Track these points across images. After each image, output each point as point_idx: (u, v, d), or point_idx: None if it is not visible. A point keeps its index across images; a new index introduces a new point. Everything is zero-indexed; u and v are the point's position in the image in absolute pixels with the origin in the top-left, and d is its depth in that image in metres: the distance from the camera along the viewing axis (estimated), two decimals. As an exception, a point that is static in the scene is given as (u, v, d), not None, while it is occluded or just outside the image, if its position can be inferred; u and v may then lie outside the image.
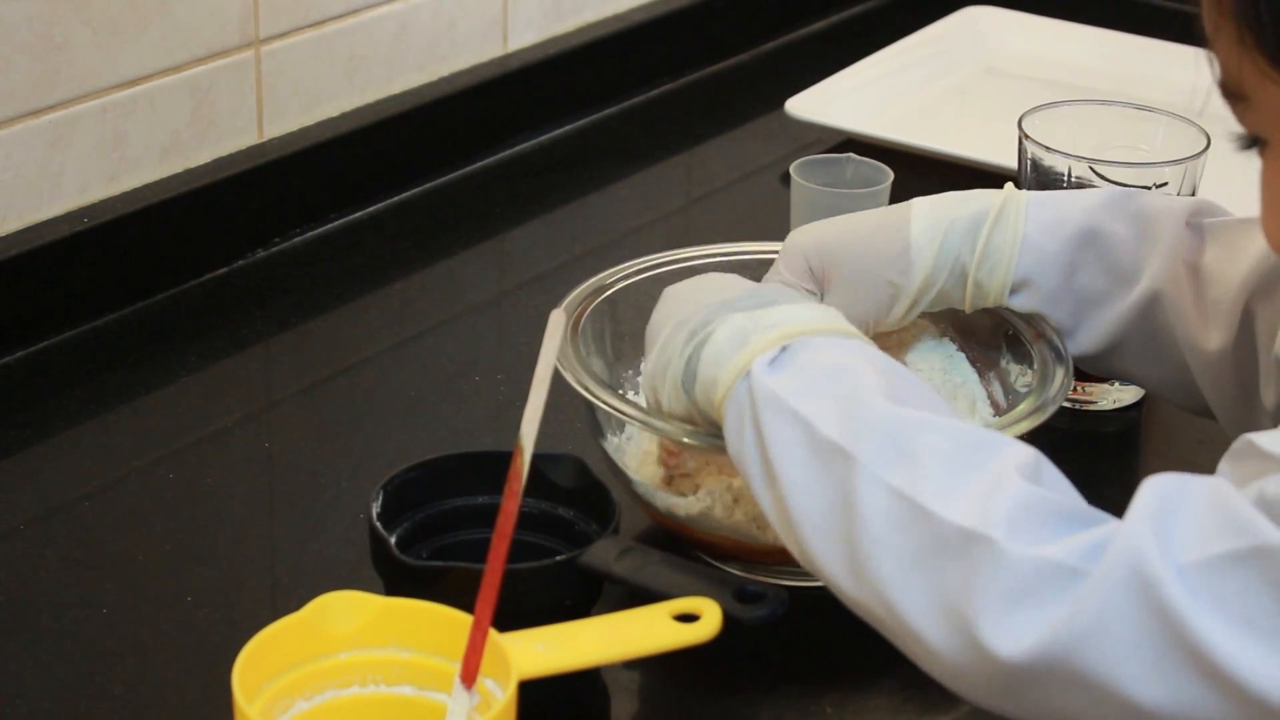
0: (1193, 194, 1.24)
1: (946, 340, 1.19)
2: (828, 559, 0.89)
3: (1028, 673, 0.82)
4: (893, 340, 1.19)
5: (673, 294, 1.04)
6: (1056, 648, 0.81)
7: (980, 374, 1.17)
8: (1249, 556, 0.78)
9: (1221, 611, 0.79)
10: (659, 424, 1.05)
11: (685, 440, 1.04)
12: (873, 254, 1.11)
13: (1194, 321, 1.09)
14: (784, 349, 0.94)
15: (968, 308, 1.13)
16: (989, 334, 1.17)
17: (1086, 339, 1.13)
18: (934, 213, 1.11)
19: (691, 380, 0.98)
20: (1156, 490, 0.83)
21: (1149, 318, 1.11)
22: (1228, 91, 0.87)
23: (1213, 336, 1.08)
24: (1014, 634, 0.82)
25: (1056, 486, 0.87)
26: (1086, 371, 1.18)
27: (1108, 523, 0.84)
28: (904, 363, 1.18)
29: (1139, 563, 0.80)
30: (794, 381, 0.92)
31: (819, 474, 0.89)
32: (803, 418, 0.90)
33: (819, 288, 1.13)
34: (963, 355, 1.18)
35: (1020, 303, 1.12)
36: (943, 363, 1.18)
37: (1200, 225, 1.10)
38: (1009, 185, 1.14)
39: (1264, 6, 0.81)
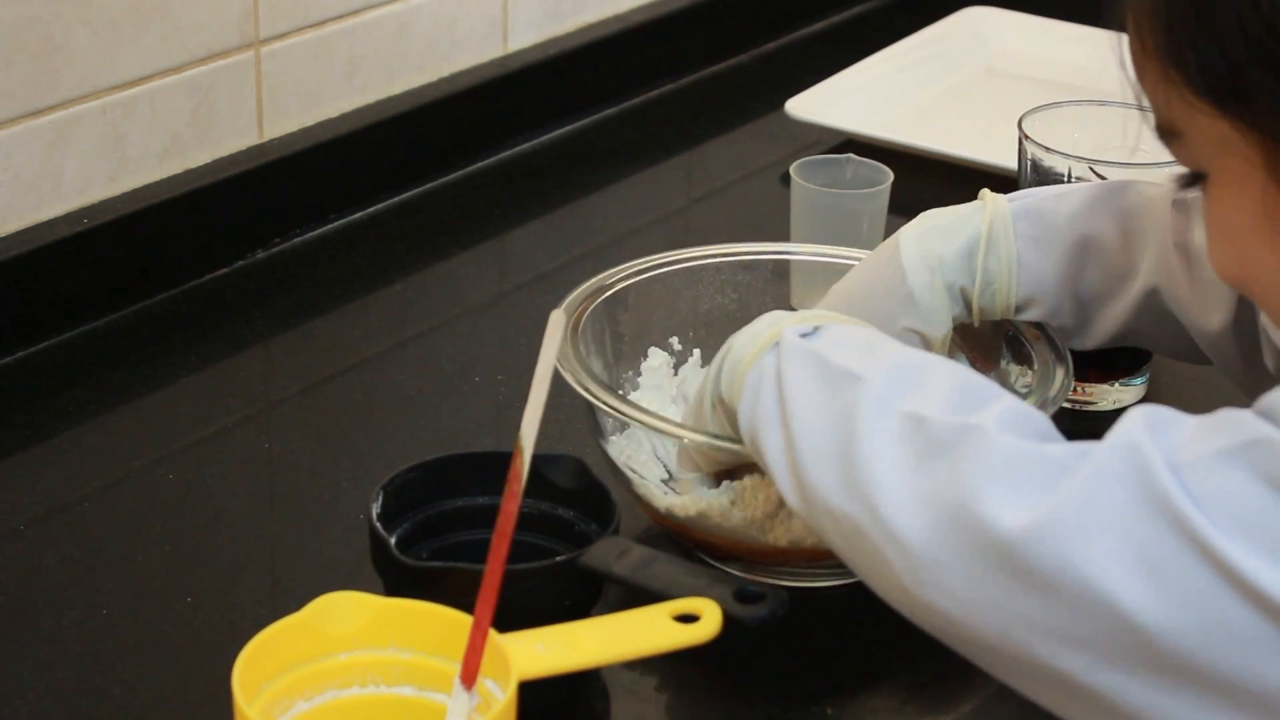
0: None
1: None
2: (820, 474, 0.89)
3: (1020, 550, 0.80)
4: None
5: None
6: (1051, 527, 0.79)
7: (982, 375, 1.17)
8: (1242, 450, 0.77)
9: (1217, 507, 0.77)
10: (658, 424, 1.05)
11: (686, 440, 1.04)
12: (881, 308, 1.12)
13: (1193, 304, 1.09)
14: (817, 328, 0.96)
15: (976, 324, 1.14)
16: (989, 335, 1.18)
17: (1094, 335, 1.14)
18: (922, 253, 1.11)
19: (717, 376, 1.00)
20: (1147, 408, 0.82)
21: (1151, 308, 1.12)
22: (1162, 131, 0.87)
23: (1213, 316, 1.08)
24: (1012, 506, 0.80)
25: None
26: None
27: (1106, 436, 0.82)
28: None
29: (1136, 455, 0.79)
30: (822, 342, 0.95)
31: (829, 398, 0.91)
32: (822, 356, 0.93)
33: None
34: (963, 356, 1.18)
35: (1025, 317, 1.14)
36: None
37: (1185, 202, 1.10)
38: (988, 195, 1.13)
39: (1184, 39, 0.81)
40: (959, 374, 0.90)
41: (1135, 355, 1.28)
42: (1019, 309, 1.13)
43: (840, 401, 0.90)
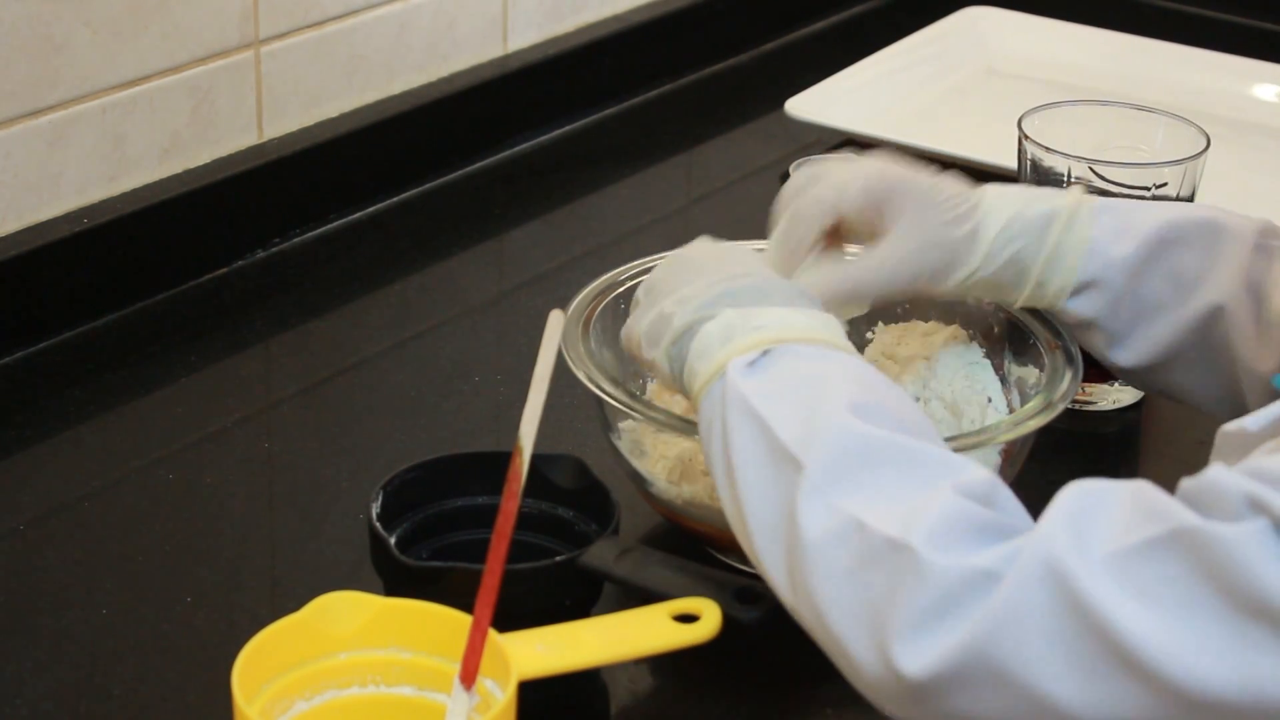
0: (1192, 195, 1.24)
1: (974, 345, 1.19)
2: (772, 564, 0.89)
3: (934, 687, 0.82)
4: (921, 343, 1.20)
5: (685, 260, 1.03)
6: (968, 656, 0.81)
7: (1003, 379, 1.17)
8: (1165, 540, 0.78)
9: (1139, 599, 0.78)
10: (666, 419, 1.05)
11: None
12: (939, 211, 1.09)
13: (1251, 341, 1.08)
14: (765, 353, 0.94)
15: (1020, 302, 1.12)
16: (1004, 338, 1.18)
17: (1141, 348, 1.12)
18: (1002, 198, 1.10)
19: (680, 365, 0.99)
20: (1075, 492, 0.83)
21: (1207, 332, 1.10)
22: None
23: (1268, 358, 1.07)
24: (921, 651, 0.82)
25: (1008, 510, 0.87)
26: (1133, 385, 1.19)
27: (1032, 531, 0.83)
28: (929, 362, 1.18)
29: (1051, 558, 0.80)
30: (765, 386, 0.93)
31: (773, 479, 0.90)
32: (764, 422, 0.91)
33: (869, 226, 1.10)
34: (987, 362, 1.18)
35: (1079, 305, 1.11)
36: (966, 368, 1.18)
37: (1269, 247, 1.10)
38: (1077, 189, 1.13)
39: None
40: (901, 453, 0.88)
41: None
42: (1076, 291, 1.10)
43: (782, 486, 0.89)
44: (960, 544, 0.83)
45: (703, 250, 1.06)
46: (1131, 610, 0.78)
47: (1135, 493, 0.82)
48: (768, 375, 0.93)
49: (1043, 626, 0.80)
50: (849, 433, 0.89)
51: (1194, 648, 0.78)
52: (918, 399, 1.19)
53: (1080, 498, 0.83)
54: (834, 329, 0.98)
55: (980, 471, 0.88)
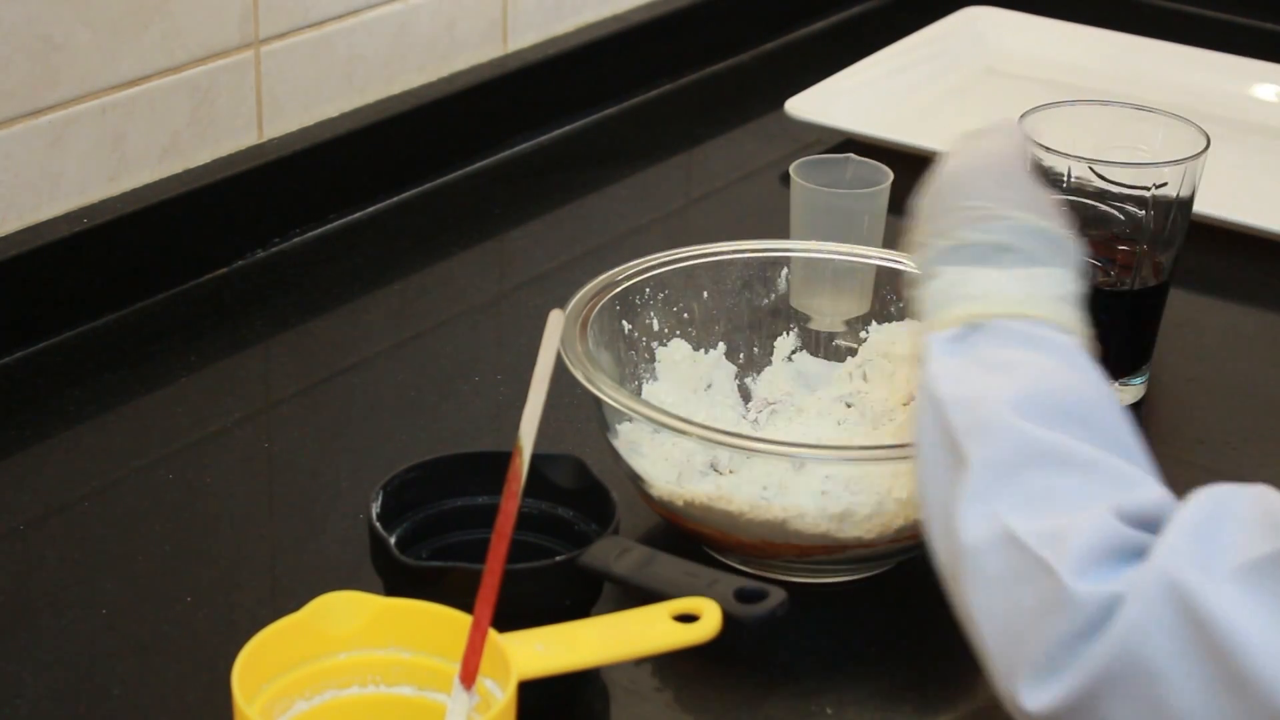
0: (1192, 195, 1.24)
1: None
2: (936, 548, 0.88)
3: (1074, 713, 0.81)
4: (915, 345, 1.20)
5: (964, 172, 0.98)
6: (1092, 686, 0.80)
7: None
8: None
9: (1270, 616, 0.76)
10: (663, 419, 1.05)
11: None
12: None
13: None
14: (974, 327, 0.91)
15: None
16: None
17: None
18: None
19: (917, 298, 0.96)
20: (1200, 500, 0.81)
21: None
22: None
23: None
24: (1046, 689, 0.82)
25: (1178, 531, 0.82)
26: None
27: (1155, 546, 0.81)
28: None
29: (1174, 574, 0.78)
30: (954, 368, 0.90)
31: (944, 470, 0.88)
32: (943, 408, 0.89)
33: None
34: None
35: None
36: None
37: None
38: None
39: None
40: (1069, 462, 0.85)
41: (1135, 355, 1.28)
42: None
43: (950, 479, 0.88)
44: (1103, 569, 0.81)
45: (981, 159, 0.99)
46: (1260, 629, 0.76)
47: (1261, 499, 0.79)
48: (961, 357, 0.90)
49: (1167, 649, 0.78)
50: (1017, 435, 0.86)
51: None
52: (913, 398, 1.19)
53: (1205, 506, 0.80)
54: (1062, 299, 0.92)
55: (1151, 492, 0.84)
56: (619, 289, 1.18)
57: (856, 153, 1.38)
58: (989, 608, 0.84)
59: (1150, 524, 0.83)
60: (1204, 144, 1.23)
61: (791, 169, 1.35)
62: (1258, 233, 1.48)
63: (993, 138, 1.01)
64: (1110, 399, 0.89)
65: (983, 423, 0.87)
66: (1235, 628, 0.76)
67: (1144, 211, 1.23)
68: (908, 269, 1.22)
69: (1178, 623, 0.78)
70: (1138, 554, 0.81)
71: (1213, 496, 0.81)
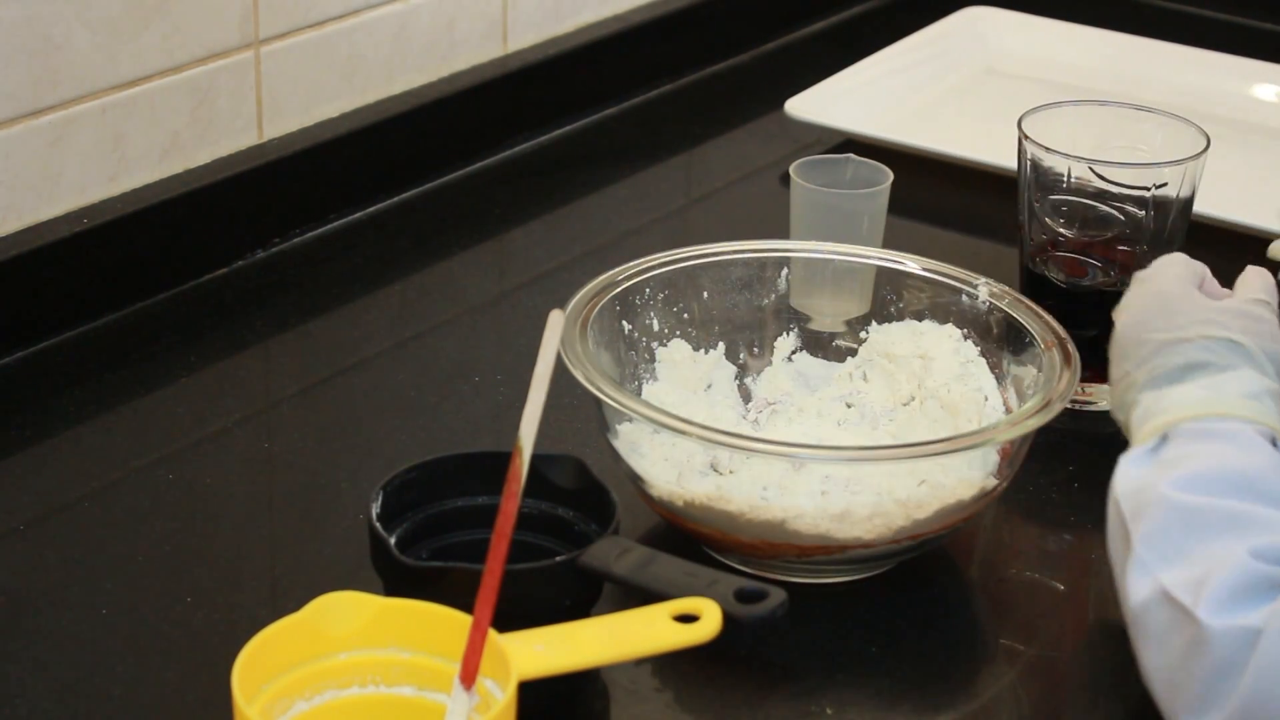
0: (1192, 194, 1.24)
1: (970, 344, 1.19)
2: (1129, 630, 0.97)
3: None
4: (916, 342, 1.20)
5: (1138, 315, 1.07)
6: (1244, 716, 0.88)
7: (998, 378, 1.18)
8: None
9: None
10: (663, 419, 1.05)
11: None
12: None
13: None
14: (1163, 438, 0.99)
15: None
16: (1000, 336, 1.18)
17: None
18: None
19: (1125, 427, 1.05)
20: None
21: None
22: None
23: None
24: (1201, 714, 0.90)
25: None
26: None
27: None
28: (925, 361, 1.19)
29: None
30: (1138, 472, 0.98)
31: (1120, 553, 0.98)
32: (1118, 503, 0.98)
33: None
34: (983, 361, 1.18)
35: None
36: (961, 367, 1.18)
37: None
38: None
39: None
40: (1217, 518, 0.93)
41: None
42: None
43: (1122, 561, 0.97)
44: (1241, 606, 0.89)
45: (1156, 296, 1.07)
46: None
47: None
48: (1145, 464, 0.99)
49: None
50: (1171, 505, 0.95)
51: None
52: (913, 398, 1.19)
53: None
54: (1248, 395, 1.00)
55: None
56: (619, 289, 1.18)
57: (856, 153, 1.39)
58: (1153, 662, 0.93)
59: None
60: (1204, 144, 1.23)
61: (791, 169, 1.35)
62: (1258, 233, 1.48)
63: (1157, 275, 1.09)
64: (1278, 464, 0.97)
65: (1145, 504, 0.96)
66: None
67: (1144, 211, 1.23)
68: (908, 269, 1.23)
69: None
70: (1277, 588, 0.88)
71: None
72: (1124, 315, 1.08)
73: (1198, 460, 0.96)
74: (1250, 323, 1.03)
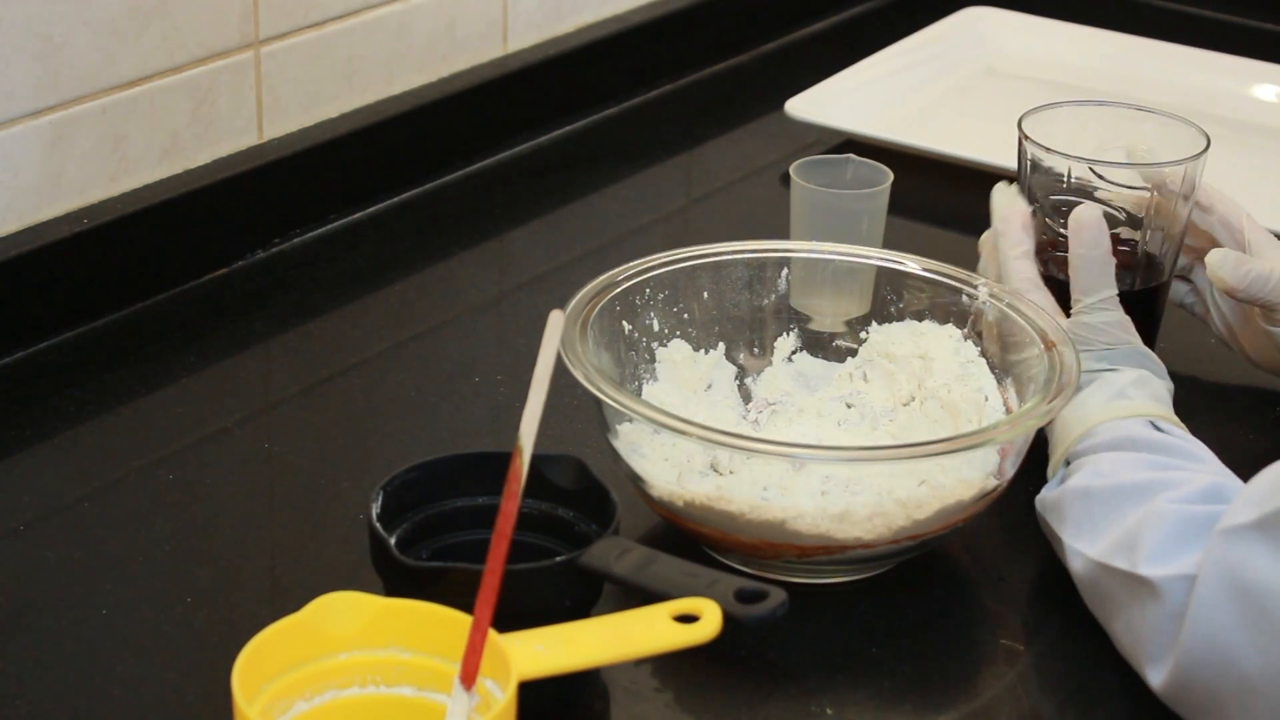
0: (1192, 194, 1.24)
1: (969, 344, 1.19)
2: None
3: (1181, 697, 0.97)
4: (916, 342, 1.20)
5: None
6: (1190, 660, 0.94)
7: (998, 378, 1.18)
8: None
9: None
10: (663, 420, 1.05)
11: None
12: None
13: None
14: (1065, 465, 1.10)
15: None
16: (1000, 336, 1.18)
17: None
18: None
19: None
20: (1262, 473, 0.94)
21: None
22: None
23: None
24: (1160, 670, 0.98)
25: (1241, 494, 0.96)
26: None
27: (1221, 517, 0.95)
28: (925, 361, 1.19)
29: (1222, 540, 0.92)
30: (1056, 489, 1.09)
31: (1057, 549, 1.09)
32: (1039, 513, 1.10)
33: None
34: (983, 360, 1.18)
35: None
36: (961, 366, 1.18)
37: None
38: None
39: None
40: (1130, 490, 1.03)
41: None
42: None
43: (1061, 557, 1.08)
44: (1180, 553, 0.97)
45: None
46: None
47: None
48: (1057, 485, 1.09)
49: (1227, 622, 0.92)
50: (1079, 495, 1.05)
51: None
52: (913, 398, 1.19)
53: (1262, 474, 0.93)
54: (1100, 405, 1.09)
55: (1199, 479, 1.00)
56: (619, 289, 1.18)
57: (856, 153, 1.39)
58: (1114, 627, 1.02)
59: (1214, 498, 0.98)
60: (1204, 144, 1.23)
61: (791, 169, 1.35)
62: (1258, 233, 1.48)
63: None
64: (1162, 439, 1.07)
65: (1061, 505, 1.07)
66: (1263, 578, 0.90)
67: (1144, 212, 1.23)
68: (908, 269, 1.23)
69: (1230, 592, 0.92)
70: (1209, 527, 0.95)
71: (1273, 466, 0.93)
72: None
73: (1091, 462, 1.06)
74: (1086, 333, 1.14)
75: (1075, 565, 1.05)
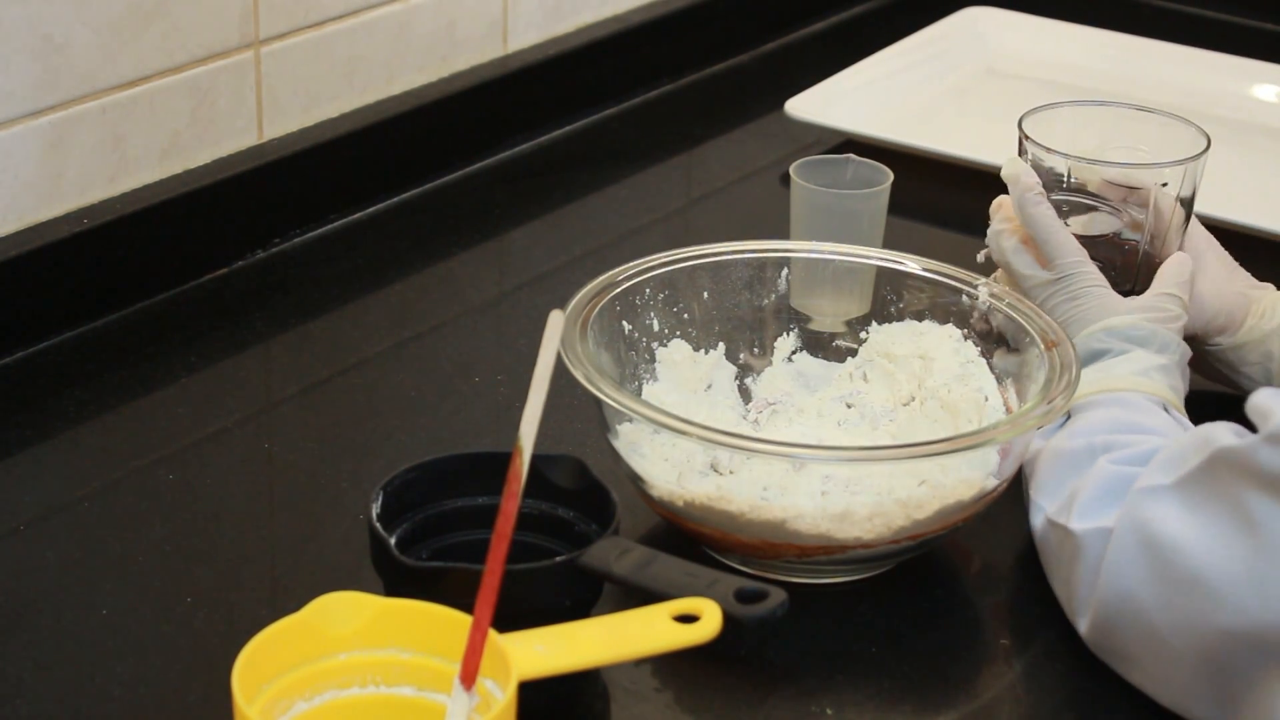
0: (1192, 194, 1.24)
1: (969, 344, 1.19)
2: None
3: (1102, 643, 1.02)
4: (916, 342, 1.20)
5: None
6: (1107, 610, 1.00)
7: (998, 379, 1.18)
8: (1210, 463, 0.95)
9: (1195, 519, 0.96)
10: (663, 419, 1.05)
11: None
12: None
13: None
14: (1066, 416, 1.13)
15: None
16: (1000, 336, 1.18)
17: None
18: None
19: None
20: (1182, 436, 1.01)
21: None
22: None
23: None
24: (1084, 618, 1.03)
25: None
26: None
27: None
28: (925, 361, 1.19)
29: (1136, 497, 0.99)
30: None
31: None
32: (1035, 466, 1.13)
33: None
34: (983, 361, 1.18)
35: None
36: (961, 367, 1.18)
37: None
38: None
39: None
40: (1087, 453, 1.08)
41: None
42: None
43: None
44: (1105, 509, 1.02)
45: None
46: (1196, 534, 0.95)
47: (1208, 427, 0.97)
48: (1049, 434, 1.12)
49: (1138, 563, 0.98)
50: (1051, 453, 1.10)
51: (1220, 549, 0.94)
52: (913, 398, 1.19)
53: (1182, 437, 1.00)
54: (1128, 374, 1.13)
55: (1148, 443, 1.05)
56: (619, 289, 1.18)
57: (856, 153, 1.39)
58: (1052, 581, 1.07)
59: (1145, 460, 1.03)
60: (1204, 144, 1.23)
61: (791, 169, 1.35)
62: (1258, 233, 1.48)
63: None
64: (1164, 419, 1.11)
65: (1036, 460, 1.11)
66: (1172, 533, 0.96)
67: (1144, 212, 1.23)
68: (908, 269, 1.23)
69: (1141, 547, 0.98)
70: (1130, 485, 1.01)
71: (1195, 430, 0.99)
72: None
73: (1082, 419, 1.11)
74: (1153, 313, 1.17)
75: (1036, 522, 1.09)
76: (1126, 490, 1.01)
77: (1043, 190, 1.21)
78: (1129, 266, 1.22)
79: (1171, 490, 0.97)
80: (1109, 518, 1.01)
